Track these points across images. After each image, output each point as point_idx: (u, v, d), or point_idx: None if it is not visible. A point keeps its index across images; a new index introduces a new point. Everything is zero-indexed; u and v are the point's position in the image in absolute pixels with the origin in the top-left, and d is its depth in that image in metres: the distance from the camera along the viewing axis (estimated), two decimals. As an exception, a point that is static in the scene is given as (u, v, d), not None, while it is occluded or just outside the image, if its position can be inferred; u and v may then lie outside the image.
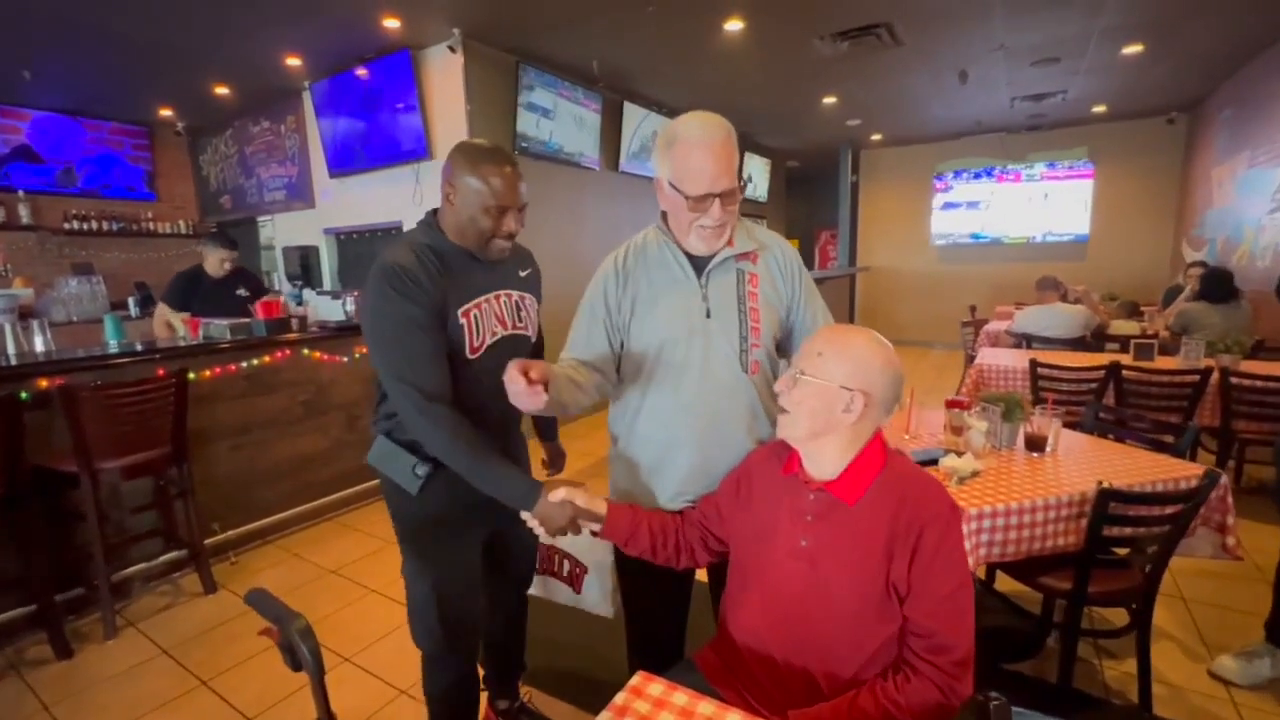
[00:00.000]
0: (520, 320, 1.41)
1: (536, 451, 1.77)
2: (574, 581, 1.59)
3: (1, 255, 4.93)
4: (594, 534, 1.22)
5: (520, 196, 1.30)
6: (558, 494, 1.15)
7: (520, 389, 1.06)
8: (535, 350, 1.53)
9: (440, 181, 1.31)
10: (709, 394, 1.25)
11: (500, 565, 1.57)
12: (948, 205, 8.25)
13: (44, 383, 2.32)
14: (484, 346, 1.32)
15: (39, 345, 2.84)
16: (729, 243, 1.25)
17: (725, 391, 1.26)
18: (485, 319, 1.33)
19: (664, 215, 1.29)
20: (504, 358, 1.27)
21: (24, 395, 2.24)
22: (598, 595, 1.55)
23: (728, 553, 1.19)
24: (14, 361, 2.41)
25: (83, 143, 5.57)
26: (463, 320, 1.29)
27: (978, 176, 7.97)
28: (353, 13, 3.71)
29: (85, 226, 5.59)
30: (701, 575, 1.46)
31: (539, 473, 1.62)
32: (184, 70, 4.61)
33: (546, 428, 1.77)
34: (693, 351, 1.25)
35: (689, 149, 1.16)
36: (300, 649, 0.80)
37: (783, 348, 1.37)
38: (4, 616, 2.22)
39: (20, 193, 5.19)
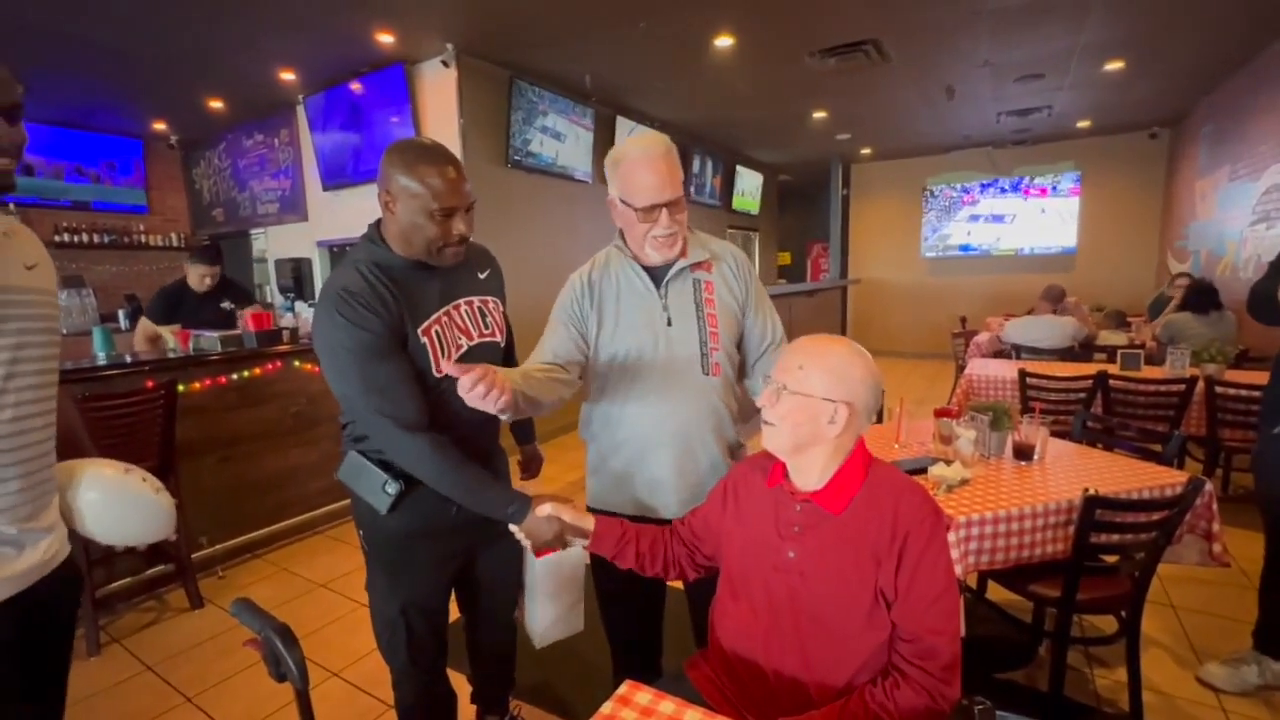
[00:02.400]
0: (486, 326, 1.35)
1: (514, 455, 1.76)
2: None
3: (-10, 268, 4.91)
4: (585, 548, 1.24)
5: (466, 196, 1.20)
6: (544, 509, 1.18)
7: (475, 390, 1.01)
8: (506, 353, 1.47)
9: (378, 190, 1.21)
10: (674, 398, 1.31)
11: (481, 583, 1.52)
12: (973, 218, 8.26)
13: (31, 395, 2.30)
14: (452, 362, 1.26)
15: (26, 357, 2.81)
16: (683, 254, 1.32)
17: (689, 394, 1.32)
18: (448, 333, 1.26)
19: (621, 233, 1.36)
20: None
21: (10, 408, 2.22)
22: (531, 619, 1.44)
23: (715, 569, 1.20)
24: (1, 374, 2.39)
25: (75, 155, 5.56)
26: (424, 339, 1.22)
27: (1004, 191, 8.00)
28: (347, 27, 3.74)
29: (76, 239, 5.57)
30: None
31: (515, 476, 1.63)
32: (178, 84, 4.63)
33: (523, 432, 1.73)
34: (657, 358, 1.31)
35: (632, 166, 1.25)
36: (285, 659, 0.79)
37: (740, 347, 1.43)
38: (-15, 633, 2.18)
39: (10, 205, 5.16)
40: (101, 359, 2.83)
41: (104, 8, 3.32)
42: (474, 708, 1.72)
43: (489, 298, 1.39)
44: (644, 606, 1.47)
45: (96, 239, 5.70)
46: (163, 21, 3.51)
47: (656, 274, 1.32)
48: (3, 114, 0.85)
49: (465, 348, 1.29)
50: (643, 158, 1.23)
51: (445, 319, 1.27)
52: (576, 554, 1.30)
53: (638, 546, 1.20)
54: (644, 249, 1.29)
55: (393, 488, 1.24)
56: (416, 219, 1.17)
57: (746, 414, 1.45)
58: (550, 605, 1.39)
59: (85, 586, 2.24)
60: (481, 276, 1.40)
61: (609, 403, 1.36)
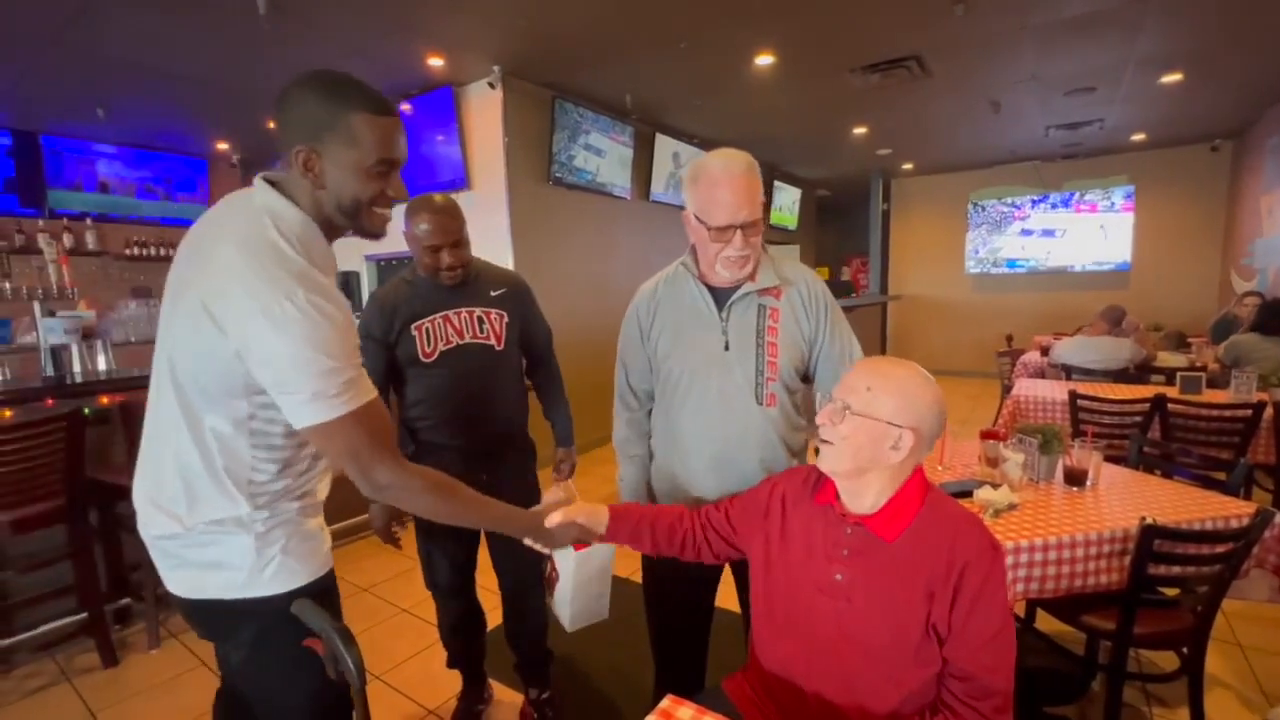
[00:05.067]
0: (482, 332, 1.67)
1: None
2: (549, 585, 1.61)
3: (69, 279, 5.23)
4: (599, 538, 1.22)
5: (449, 235, 1.55)
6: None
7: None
8: (530, 358, 1.83)
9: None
10: (724, 423, 1.30)
11: (496, 549, 1.76)
12: (1025, 232, 8.01)
13: (105, 399, 2.45)
14: (436, 353, 1.62)
15: (101, 364, 3.00)
16: (752, 277, 1.29)
17: (740, 422, 1.30)
18: (437, 331, 1.62)
19: (692, 248, 1.34)
20: (463, 362, 1.64)
21: (87, 411, 2.36)
22: (560, 606, 1.57)
23: (736, 558, 1.20)
24: (79, 379, 2.55)
25: (147, 174, 5.92)
26: (414, 333, 1.60)
27: (1055, 207, 7.76)
28: (400, 53, 3.91)
29: (145, 252, 5.90)
30: (730, 604, 1.46)
31: (549, 478, 1.80)
32: (242, 107, 4.89)
33: (559, 434, 1.90)
34: (710, 382, 1.30)
35: (712, 182, 1.22)
36: (344, 658, 0.83)
37: (807, 379, 1.40)
38: (58, 624, 2.31)
39: (88, 220, 5.53)
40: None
41: (176, 39, 3.55)
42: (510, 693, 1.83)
43: (493, 310, 1.69)
44: (692, 624, 1.47)
45: (164, 252, 6.03)
46: (229, 50, 3.73)
47: (720, 296, 1.31)
48: (399, 167, 1.00)
49: (453, 344, 1.63)
50: (723, 174, 1.21)
51: (439, 320, 1.62)
52: (605, 549, 1.32)
53: (653, 533, 1.20)
54: (714, 268, 1.28)
55: (410, 448, 1.67)
56: (418, 252, 1.58)
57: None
58: (579, 595, 1.47)
59: (148, 583, 2.34)
60: (493, 294, 1.70)
61: (662, 415, 1.39)
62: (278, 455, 0.97)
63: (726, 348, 1.30)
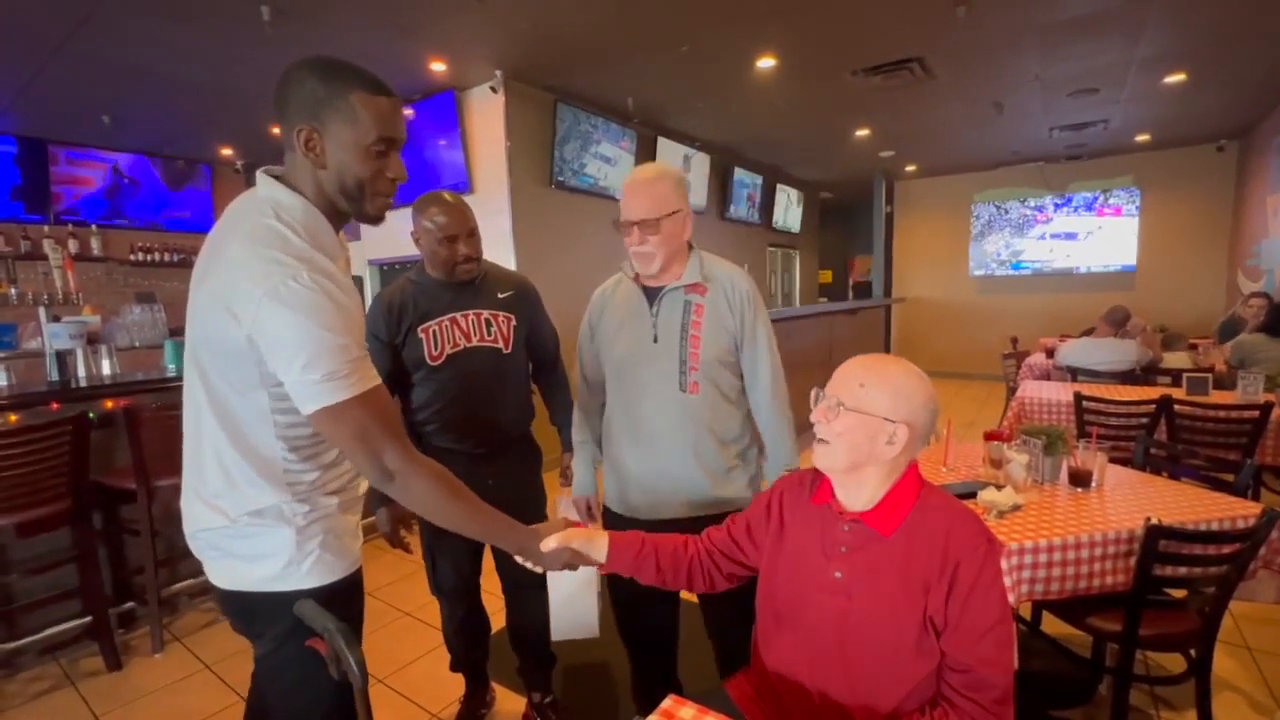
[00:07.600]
0: (490, 335, 1.65)
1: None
2: None
3: (74, 284, 5.26)
4: (600, 570, 1.20)
5: (465, 224, 1.56)
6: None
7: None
8: (537, 363, 1.82)
9: (411, 232, 1.62)
10: (654, 411, 1.42)
11: (505, 558, 1.66)
12: (1042, 236, 7.94)
13: (110, 403, 2.46)
14: (443, 356, 1.60)
15: (106, 369, 3.01)
16: (676, 275, 1.42)
17: (667, 409, 1.42)
18: (444, 334, 1.60)
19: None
20: (470, 365, 1.63)
21: (91, 415, 2.37)
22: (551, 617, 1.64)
23: (747, 578, 1.19)
24: (83, 384, 2.57)
25: (151, 180, 5.96)
26: (421, 335, 1.59)
27: (1078, 210, 7.68)
28: (403, 58, 3.93)
29: (149, 258, 5.93)
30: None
31: (556, 482, 1.85)
32: (246, 112, 4.92)
33: (566, 440, 1.88)
34: (640, 371, 1.43)
35: (625, 187, 1.40)
36: (346, 658, 0.83)
37: (742, 373, 1.49)
38: (62, 627, 2.31)
39: (93, 226, 5.57)
40: (172, 370, 3.01)
41: (181, 46, 3.58)
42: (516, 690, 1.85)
43: (500, 312, 1.68)
44: (656, 615, 1.55)
45: (167, 258, 6.06)
46: (233, 56, 3.76)
47: (651, 293, 1.44)
48: (398, 147, 1.00)
49: (461, 347, 1.62)
50: (630, 180, 1.40)
51: (446, 323, 1.61)
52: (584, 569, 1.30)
53: (657, 561, 1.17)
54: (631, 263, 1.43)
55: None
56: (433, 246, 1.57)
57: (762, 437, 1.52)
58: (561, 608, 1.48)
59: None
60: (501, 296, 1.69)
61: (608, 407, 1.53)
62: (303, 446, 0.98)
63: (655, 340, 1.41)
